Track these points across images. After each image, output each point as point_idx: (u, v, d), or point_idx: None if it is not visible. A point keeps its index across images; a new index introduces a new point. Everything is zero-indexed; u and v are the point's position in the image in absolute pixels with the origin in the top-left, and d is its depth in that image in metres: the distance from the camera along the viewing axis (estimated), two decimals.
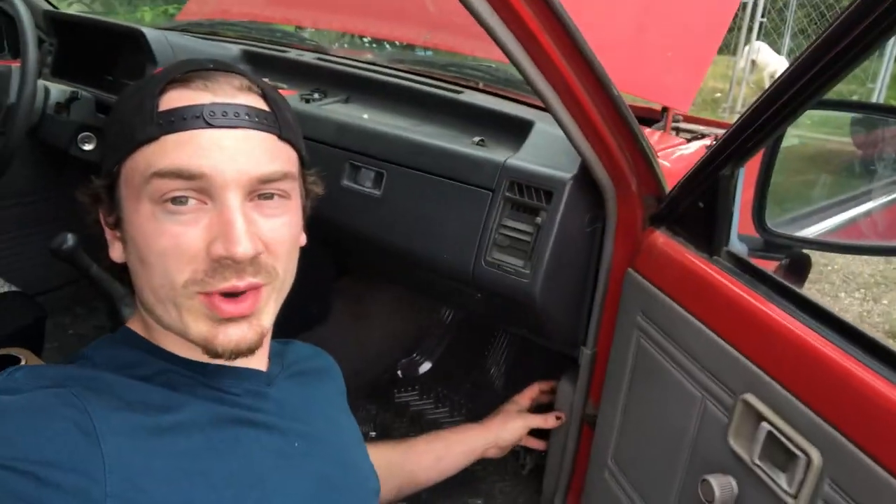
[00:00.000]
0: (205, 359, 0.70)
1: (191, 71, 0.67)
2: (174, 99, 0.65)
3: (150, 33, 1.61)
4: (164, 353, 0.71)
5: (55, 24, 1.85)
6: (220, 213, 0.63)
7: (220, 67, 0.69)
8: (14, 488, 0.51)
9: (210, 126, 0.63)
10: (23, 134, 1.52)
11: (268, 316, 0.70)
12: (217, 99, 0.65)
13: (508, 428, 1.34)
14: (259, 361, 0.78)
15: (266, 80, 1.62)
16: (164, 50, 1.59)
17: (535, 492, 1.68)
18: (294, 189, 0.72)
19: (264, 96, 0.70)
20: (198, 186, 0.63)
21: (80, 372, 0.66)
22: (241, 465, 0.66)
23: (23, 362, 1.24)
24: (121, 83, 1.68)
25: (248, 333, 0.67)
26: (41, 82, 1.63)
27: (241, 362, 0.74)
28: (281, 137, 0.69)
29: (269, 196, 0.67)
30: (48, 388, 0.61)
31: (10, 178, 1.93)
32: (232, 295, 0.65)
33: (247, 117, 0.65)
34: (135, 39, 1.61)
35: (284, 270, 0.70)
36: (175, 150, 0.63)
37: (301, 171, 0.76)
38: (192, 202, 0.63)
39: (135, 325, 0.74)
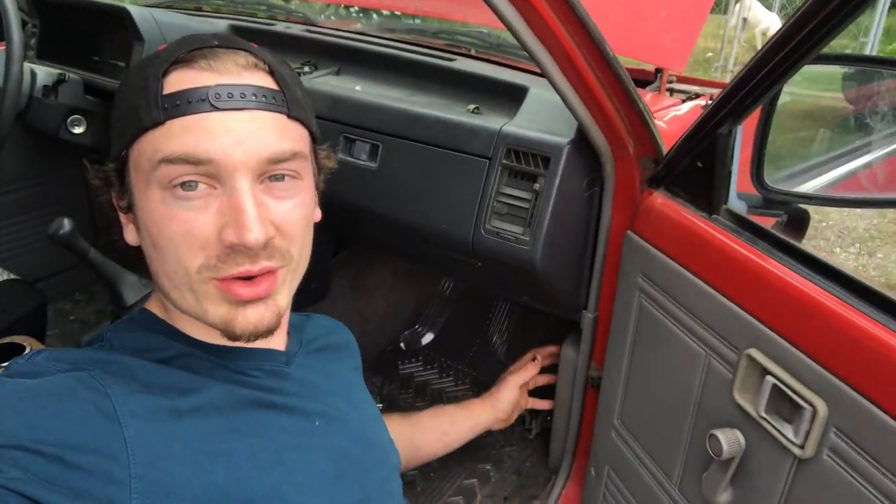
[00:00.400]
0: (223, 341, 0.70)
1: (194, 49, 0.65)
2: (178, 81, 0.63)
3: (135, 11, 1.58)
4: (182, 336, 0.71)
5: (38, 5, 1.81)
6: (230, 197, 0.62)
7: (224, 44, 0.67)
8: (40, 471, 0.52)
9: (216, 109, 0.62)
10: (11, 119, 1.50)
11: (284, 297, 0.69)
12: (222, 80, 0.63)
13: (503, 397, 1.39)
14: (278, 341, 0.78)
15: None
16: (150, 27, 1.56)
17: (542, 455, 1.71)
18: (305, 168, 0.70)
19: (272, 73, 0.68)
20: (206, 171, 0.62)
21: (100, 355, 0.66)
22: (261, 445, 0.67)
23: (27, 349, 1.24)
24: (108, 63, 1.65)
25: (265, 315, 0.66)
26: (27, 65, 1.60)
27: (259, 343, 0.74)
28: (290, 116, 0.67)
29: (280, 177, 0.66)
30: (69, 372, 0.61)
31: (3, 165, 1.93)
32: (247, 278, 0.65)
33: (254, 98, 0.64)
34: (120, 18, 1.58)
35: (299, 252, 0.70)
36: (182, 134, 0.62)
37: (313, 147, 0.74)
38: (201, 187, 0.62)
39: (154, 307, 0.74)
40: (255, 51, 0.69)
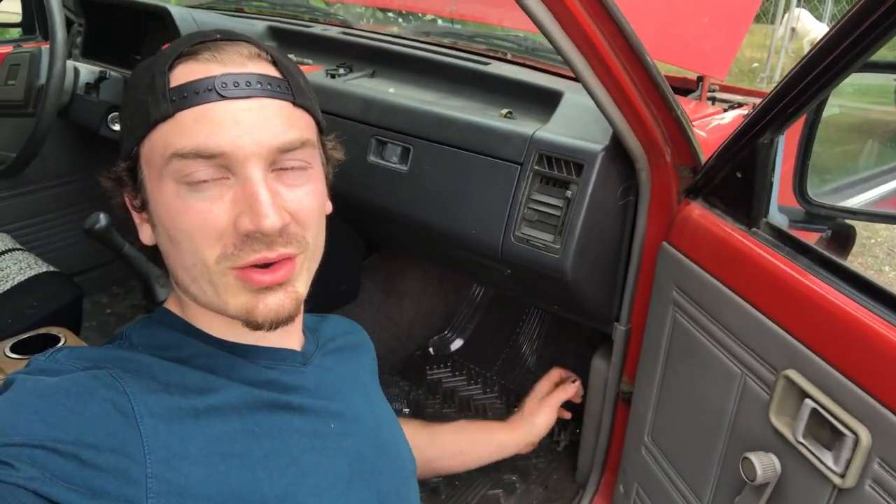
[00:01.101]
0: (241, 339, 0.70)
1: (198, 43, 0.66)
2: (184, 73, 0.64)
3: (175, 11, 1.60)
4: (199, 333, 0.71)
5: (84, 5, 1.86)
6: (244, 186, 0.62)
7: (226, 37, 0.68)
8: (57, 470, 0.52)
9: (223, 98, 0.62)
10: (53, 114, 1.53)
11: (302, 284, 0.69)
12: (228, 69, 0.64)
13: (538, 424, 1.32)
14: (294, 341, 0.78)
15: (291, 55, 1.61)
16: (189, 27, 1.58)
17: (569, 468, 1.67)
18: (314, 157, 0.70)
19: (274, 63, 0.68)
20: (218, 163, 0.62)
21: (119, 353, 0.66)
22: (275, 446, 0.66)
23: (62, 341, 1.26)
24: None
25: (285, 301, 0.66)
26: (71, 63, 1.64)
27: (275, 342, 0.74)
28: (296, 104, 0.67)
29: (291, 167, 0.66)
30: (88, 370, 0.61)
31: (45, 160, 1.98)
32: (264, 266, 0.64)
33: (259, 86, 0.64)
34: (161, 18, 1.61)
35: (314, 239, 0.69)
36: (192, 127, 0.62)
37: (320, 137, 0.74)
38: (214, 177, 0.63)
39: (171, 305, 0.74)
40: (256, 42, 0.69)
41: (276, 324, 0.66)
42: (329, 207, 0.77)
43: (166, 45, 0.68)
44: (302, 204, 0.66)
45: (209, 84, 0.62)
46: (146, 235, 0.71)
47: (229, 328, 0.70)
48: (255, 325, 0.66)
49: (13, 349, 1.22)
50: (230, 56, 0.65)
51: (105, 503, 0.53)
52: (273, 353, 0.74)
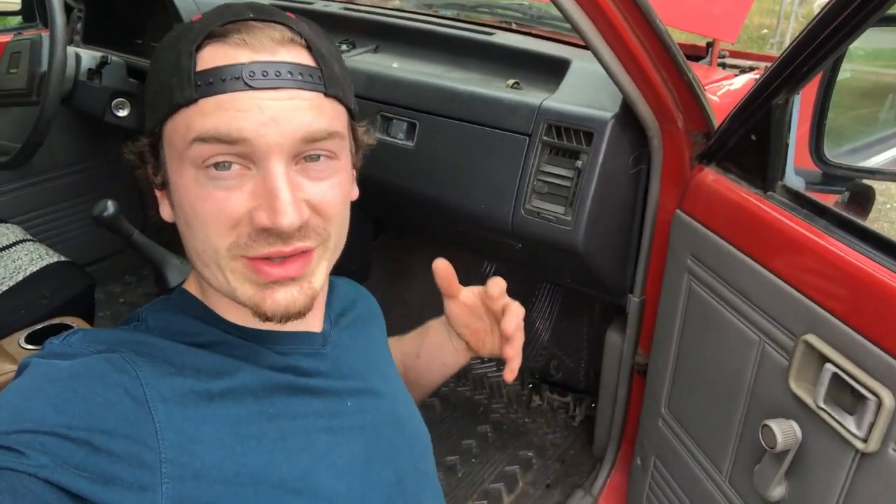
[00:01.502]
0: (260, 325, 0.69)
1: (228, 23, 0.62)
2: (212, 57, 0.61)
3: None
4: (218, 320, 0.70)
5: None
6: (265, 180, 0.60)
7: (259, 16, 0.64)
8: (69, 457, 0.51)
9: (251, 88, 0.59)
10: (57, 101, 1.52)
11: (319, 278, 0.67)
12: (257, 56, 0.61)
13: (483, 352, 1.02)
14: (314, 323, 0.77)
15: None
16: (189, 8, 1.56)
17: (586, 443, 1.67)
18: (342, 147, 0.67)
19: (309, 48, 0.64)
20: (240, 151, 0.60)
21: (135, 336, 0.65)
22: (291, 427, 0.65)
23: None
24: (150, 46, 1.67)
25: (298, 297, 0.64)
26: (72, 49, 1.63)
27: (296, 326, 0.72)
28: (327, 94, 0.64)
29: (316, 158, 0.64)
30: (101, 353, 0.60)
31: (52, 150, 1.98)
32: (278, 258, 0.63)
33: (289, 76, 0.61)
34: (160, 1, 1.59)
35: (337, 232, 0.68)
36: (215, 113, 0.59)
37: (351, 124, 0.71)
38: (235, 167, 0.60)
39: (191, 287, 0.73)
40: (292, 23, 0.65)
41: (285, 318, 0.64)
42: (355, 194, 0.75)
43: (197, 17, 0.65)
44: (325, 196, 0.64)
45: (237, 72, 0.59)
46: (166, 212, 0.69)
47: (247, 313, 0.68)
48: (263, 317, 0.64)
49: (28, 340, 1.22)
50: (261, 41, 0.61)
51: (118, 489, 0.52)
52: (293, 338, 0.72)
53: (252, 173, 0.61)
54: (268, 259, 0.62)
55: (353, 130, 0.72)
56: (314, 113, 0.62)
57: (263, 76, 0.60)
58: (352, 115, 0.71)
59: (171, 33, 0.66)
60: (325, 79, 0.64)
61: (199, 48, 0.61)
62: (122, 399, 0.56)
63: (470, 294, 0.93)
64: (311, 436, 0.67)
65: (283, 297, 0.64)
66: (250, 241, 0.61)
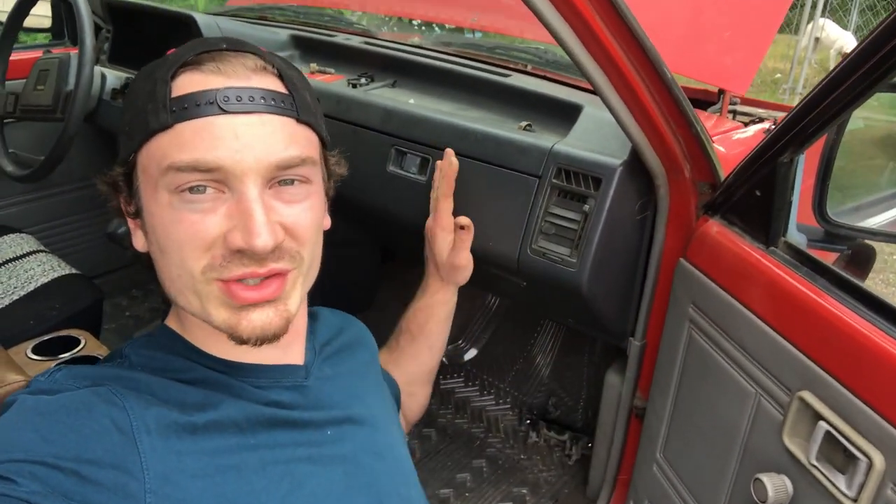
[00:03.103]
0: (240, 358, 0.70)
1: (202, 52, 0.65)
2: (186, 84, 0.63)
3: (201, 19, 1.62)
4: (200, 355, 0.70)
5: (112, 12, 1.89)
6: (239, 203, 0.61)
7: (232, 47, 0.66)
8: (58, 485, 0.52)
9: (224, 112, 0.61)
10: (81, 119, 1.56)
11: (294, 301, 0.68)
12: (230, 83, 0.62)
13: (463, 273, 1.16)
14: (296, 355, 0.78)
15: (314, 64, 1.62)
16: (214, 35, 1.60)
17: (580, 483, 1.67)
18: (315, 173, 0.69)
19: (281, 77, 0.67)
20: (215, 177, 0.61)
21: (118, 372, 0.67)
22: (271, 457, 0.66)
23: (83, 343, 1.28)
24: None
25: (273, 318, 0.65)
26: (98, 69, 1.67)
27: (278, 359, 0.74)
28: (299, 120, 0.66)
29: (290, 182, 0.65)
30: (88, 388, 0.61)
31: (70, 163, 2.00)
32: (253, 280, 0.63)
33: (262, 101, 0.63)
34: (187, 25, 1.63)
35: (310, 255, 0.68)
36: (190, 140, 0.61)
37: (323, 153, 0.73)
38: (209, 191, 0.62)
39: (172, 323, 0.73)
40: (263, 54, 0.68)
41: (261, 340, 0.65)
42: (328, 223, 0.77)
43: (171, 51, 0.67)
44: (299, 219, 0.65)
45: (210, 97, 0.61)
46: (139, 242, 0.70)
47: (228, 345, 0.68)
48: (239, 340, 0.65)
49: (35, 350, 1.24)
50: (234, 68, 0.64)
51: None
52: (275, 372, 0.73)
53: (226, 196, 0.62)
54: (242, 282, 0.63)
55: (325, 159, 0.74)
56: (287, 139, 0.64)
57: (237, 101, 0.62)
58: (324, 144, 0.73)
59: (146, 66, 0.68)
60: (298, 105, 0.66)
61: (174, 76, 0.63)
62: (109, 430, 0.57)
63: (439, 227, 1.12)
64: (290, 465, 0.68)
65: (259, 319, 0.64)
66: (225, 263, 0.62)
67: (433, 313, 1.16)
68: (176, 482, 0.59)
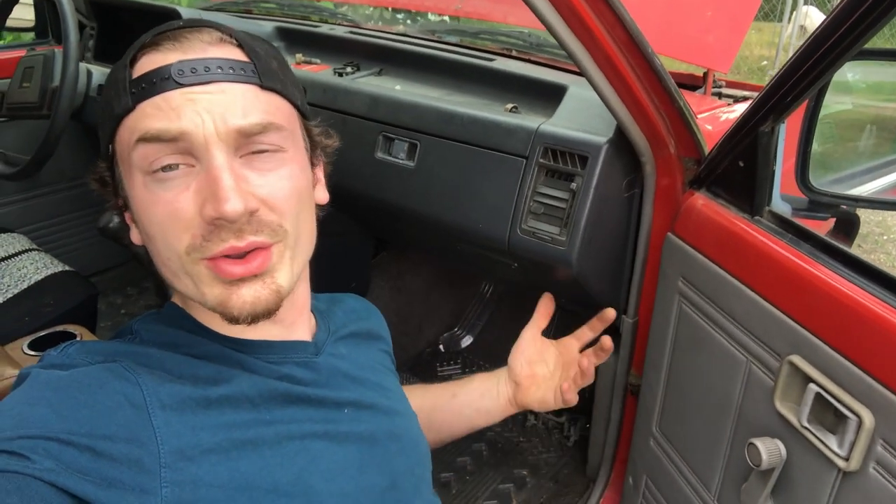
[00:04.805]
0: (246, 335, 0.70)
1: (161, 34, 0.64)
2: (146, 64, 0.63)
3: (185, 13, 1.63)
4: (206, 331, 0.70)
5: (95, 8, 1.89)
6: (207, 172, 0.60)
7: (190, 24, 0.66)
8: (73, 462, 0.52)
9: (180, 85, 0.61)
10: (67, 116, 1.56)
11: (284, 275, 0.66)
12: (185, 56, 0.62)
13: (530, 398, 1.01)
14: (303, 332, 0.77)
15: (300, 55, 1.62)
16: None
17: (580, 462, 1.68)
18: (287, 140, 0.67)
19: (241, 46, 0.66)
20: (181, 148, 0.61)
21: (130, 348, 0.67)
22: (287, 432, 0.66)
23: (78, 338, 1.28)
24: None
25: (262, 293, 0.64)
26: (84, 65, 1.66)
27: (283, 335, 0.74)
28: (263, 87, 0.65)
29: (261, 151, 0.64)
30: (101, 363, 0.61)
31: (60, 162, 2.01)
32: (238, 256, 0.63)
33: (219, 70, 0.62)
34: (171, 20, 1.63)
35: (294, 227, 0.67)
36: (152, 115, 0.61)
37: (303, 123, 0.72)
38: (181, 167, 0.61)
39: (177, 300, 0.74)
40: (222, 27, 0.67)
41: (253, 317, 0.64)
42: (324, 197, 0.76)
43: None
44: (274, 189, 0.64)
45: (165, 73, 0.61)
46: (135, 235, 0.69)
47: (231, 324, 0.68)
48: (231, 319, 0.64)
49: (31, 346, 1.24)
50: (191, 43, 0.63)
51: (120, 493, 0.53)
52: (283, 347, 0.73)
53: (196, 170, 0.61)
54: (227, 257, 0.62)
55: (307, 130, 0.73)
56: (249, 105, 0.63)
57: (192, 72, 0.61)
58: (303, 115, 0.72)
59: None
60: (260, 72, 0.65)
61: (133, 61, 0.64)
62: (123, 405, 0.57)
63: (553, 341, 1.01)
64: (305, 441, 0.67)
65: (248, 294, 0.63)
66: (205, 241, 0.61)
67: (471, 415, 1.04)
68: (191, 457, 0.59)
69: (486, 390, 1.04)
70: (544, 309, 1.07)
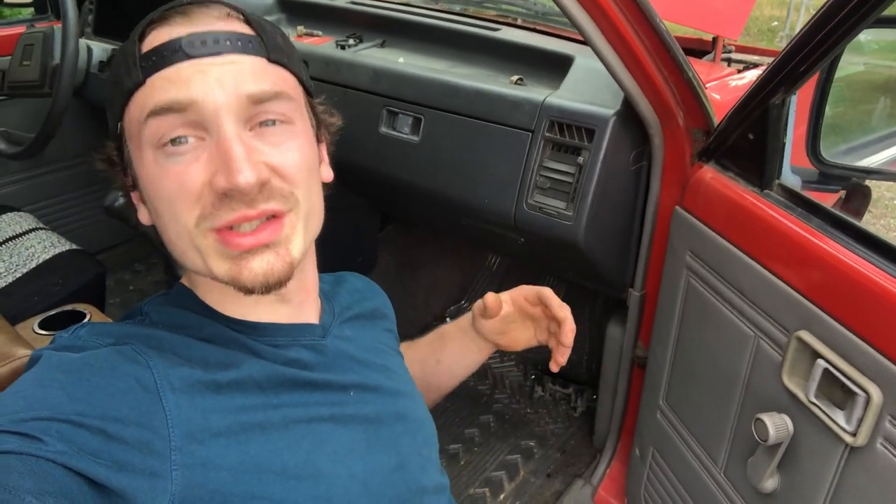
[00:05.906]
0: (255, 317, 0.70)
1: (169, 9, 0.65)
2: (155, 39, 0.63)
3: None
4: (216, 314, 0.70)
5: None
6: (218, 143, 0.60)
7: (196, 0, 0.66)
8: (85, 444, 0.52)
9: (190, 57, 0.61)
10: (69, 93, 1.54)
11: (297, 246, 0.66)
12: (195, 29, 0.62)
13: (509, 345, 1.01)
14: (311, 313, 0.78)
15: (301, 27, 1.60)
16: None
17: (587, 433, 1.69)
18: (295, 112, 0.68)
19: (248, 21, 0.66)
20: (191, 120, 0.61)
21: (141, 330, 0.67)
22: (294, 415, 0.67)
23: (88, 317, 1.29)
24: None
25: (275, 263, 0.63)
26: (84, 42, 1.65)
27: (291, 317, 0.74)
28: (270, 59, 0.65)
29: (271, 122, 0.64)
30: (112, 346, 0.62)
31: (64, 140, 2.00)
32: (248, 226, 0.62)
33: (228, 43, 0.62)
34: None
35: (306, 198, 0.66)
36: (162, 87, 0.61)
37: (307, 99, 0.72)
38: (190, 140, 0.61)
39: (186, 281, 0.74)
40: (229, 3, 0.67)
41: (266, 287, 0.63)
42: (329, 174, 0.76)
43: None
44: (285, 159, 0.64)
45: (175, 45, 0.61)
46: (144, 215, 0.69)
47: (242, 305, 0.69)
48: (244, 290, 0.63)
49: (42, 325, 1.25)
50: (200, 17, 0.64)
51: (132, 476, 0.54)
52: (290, 330, 0.73)
53: (207, 143, 0.61)
54: (235, 229, 0.62)
55: (312, 107, 0.73)
56: (259, 74, 0.63)
57: (202, 44, 0.61)
58: (308, 92, 0.72)
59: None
60: (267, 45, 0.65)
61: (142, 36, 0.63)
62: (134, 388, 0.58)
63: (504, 305, 0.94)
64: (312, 424, 0.68)
65: (260, 265, 0.63)
66: (214, 211, 0.61)
67: (461, 372, 1.06)
68: (201, 440, 0.59)
69: (465, 350, 1.04)
70: (492, 310, 0.95)
